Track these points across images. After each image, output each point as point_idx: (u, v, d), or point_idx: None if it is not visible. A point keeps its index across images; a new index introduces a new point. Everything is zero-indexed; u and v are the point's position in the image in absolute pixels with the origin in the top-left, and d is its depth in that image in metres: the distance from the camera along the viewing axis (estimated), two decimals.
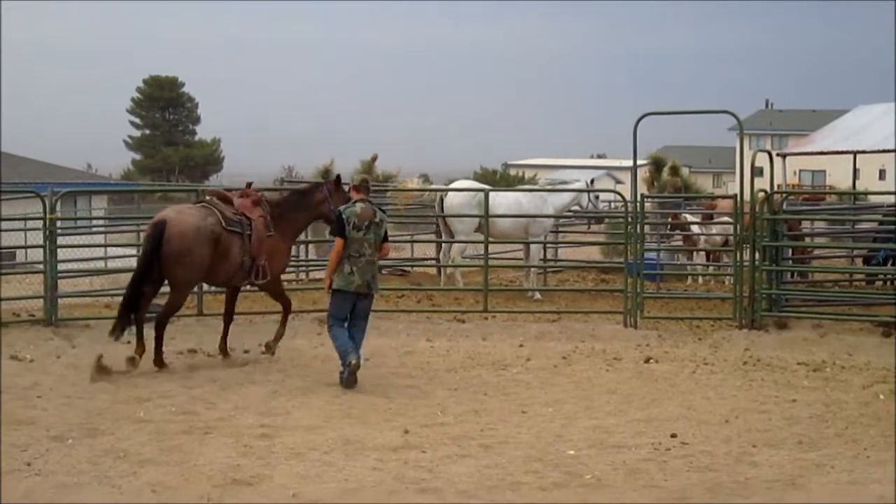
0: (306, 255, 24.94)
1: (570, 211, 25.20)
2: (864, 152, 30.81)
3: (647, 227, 23.97)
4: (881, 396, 14.26)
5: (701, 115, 27.93)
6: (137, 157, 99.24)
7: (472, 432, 12.34)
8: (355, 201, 15.14)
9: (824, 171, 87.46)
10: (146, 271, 15.68)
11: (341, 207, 15.25)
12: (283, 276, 17.87)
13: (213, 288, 20.13)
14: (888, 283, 24.46)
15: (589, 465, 11.05)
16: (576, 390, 14.76)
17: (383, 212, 15.43)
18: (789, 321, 19.73)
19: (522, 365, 16.45)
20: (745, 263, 20.30)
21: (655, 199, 29.88)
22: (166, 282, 16.01)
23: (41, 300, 19.17)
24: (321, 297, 18.74)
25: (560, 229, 28.34)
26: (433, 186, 23.10)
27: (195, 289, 19.68)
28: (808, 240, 25.40)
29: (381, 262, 18.08)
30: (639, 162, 21.59)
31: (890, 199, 31.01)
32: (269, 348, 16.65)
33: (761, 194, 20.01)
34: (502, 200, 23.55)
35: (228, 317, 16.83)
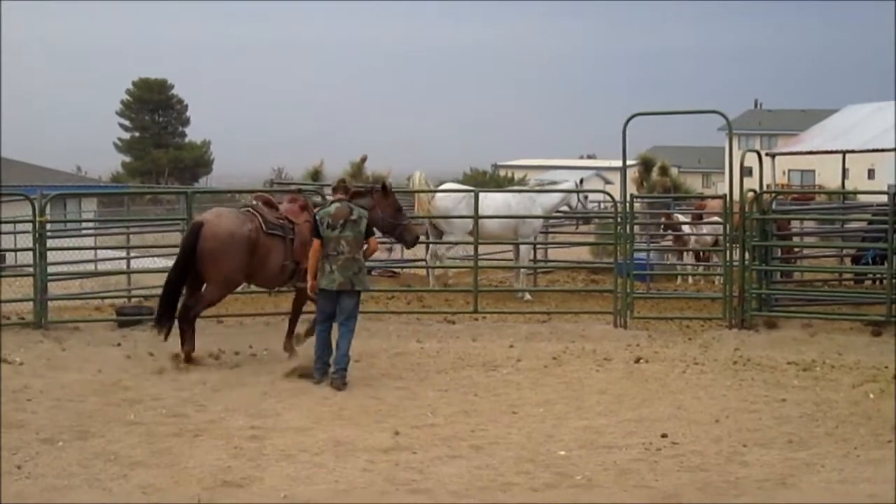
0: None
1: (559, 211, 25.22)
2: (853, 152, 30.83)
3: (636, 228, 23.98)
4: (871, 395, 14.29)
5: (690, 115, 27.93)
6: (127, 159, 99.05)
7: (462, 433, 12.36)
8: (332, 201, 15.49)
9: (813, 171, 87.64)
10: (183, 269, 16.21)
11: (317, 210, 15.73)
12: None
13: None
14: (877, 282, 24.49)
15: (580, 465, 11.07)
16: (566, 391, 14.77)
17: (364, 209, 15.55)
18: (779, 321, 19.76)
19: (513, 366, 16.46)
20: (735, 263, 20.33)
21: (645, 200, 29.93)
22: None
23: (31, 303, 19.12)
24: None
25: (550, 230, 28.33)
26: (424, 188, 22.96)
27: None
28: (797, 239, 25.45)
29: (372, 264, 18.09)
30: (628, 162, 21.66)
31: (879, 198, 31.03)
32: (300, 340, 17.03)
33: (750, 194, 20.04)
34: (491, 202, 23.54)
35: (295, 315, 17.20)
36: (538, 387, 15.01)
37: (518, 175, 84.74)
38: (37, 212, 18.85)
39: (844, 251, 25.65)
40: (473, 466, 10.98)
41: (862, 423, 12.80)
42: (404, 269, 27.01)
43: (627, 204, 20.68)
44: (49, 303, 19.32)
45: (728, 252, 20.59)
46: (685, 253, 27.95)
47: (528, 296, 23.44)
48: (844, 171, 33.08)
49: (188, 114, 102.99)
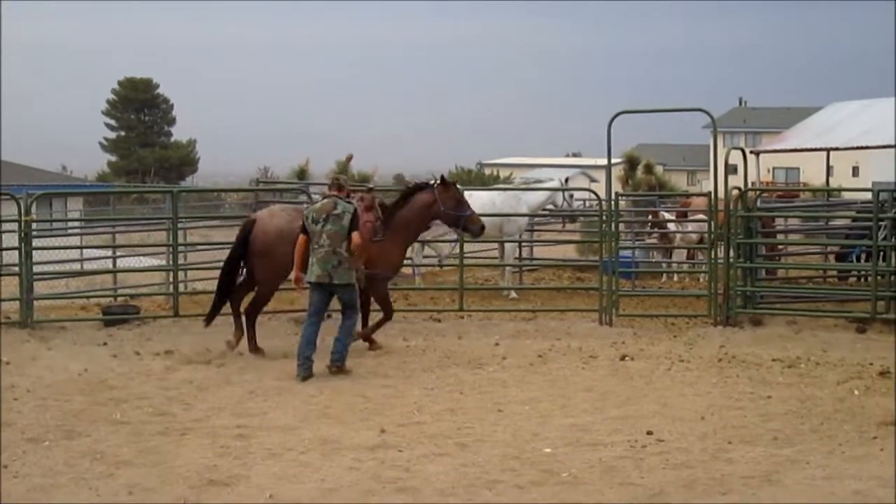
0: None
1: (544, 209, 25.25)
2: (837, 149, 30.84)
3: (621, 225, 24.02)
4: (856, 392, 14.33)
5: (675, 112, 27.98)
6: (113, 158, 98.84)
7: (448, 431, 12.37)
8: (324, 197, 15.94)
9: (798, 169, 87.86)
10: (234, 263, 17.21)
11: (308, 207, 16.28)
12: None
13: (188, 289, 20.36)
14: (861, 279, 24.56)
15: (565, 462, 11.09)
16: (552, 388, 14.78)
17: (350, 204, 15.75)
18: (764, 318, 19.80)
19: (498, 363, 16.47)
20: (720, 260, 20.37)
21: (630, 198, 30.00)
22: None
23: (17, 302, 19.11)
24: (297, 298, 18.75)
25: (535, 228, 28.36)
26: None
27: (171, 290, 20.01)
28: (782, 237, 25.51)
29: None
30: (613, 160, 21.65)
31: (863, 195, 31.09)
32: (373, 345, 17.46)
33: (735, 192, 20.08)
34: (476, 200, 23.52)
35: (367, 311, 17.51)
36: (524, 384, 15.02)
37: (504, 173, 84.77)
38: (22, 211, 18.82)
39: (829, 248, 25.71)
40: (459, 464, 10.99)
41: (847, 420, 12.83)
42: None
43: (613, 202, 20.71)
44: (35, 302, 19.31)
45: (713, 249, 20.63)
46: (673, 250, 28.00)
47: (513, 294, 23.48)
48: (829, 169, 33.11)
49: (174, 113, 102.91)
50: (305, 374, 15.13)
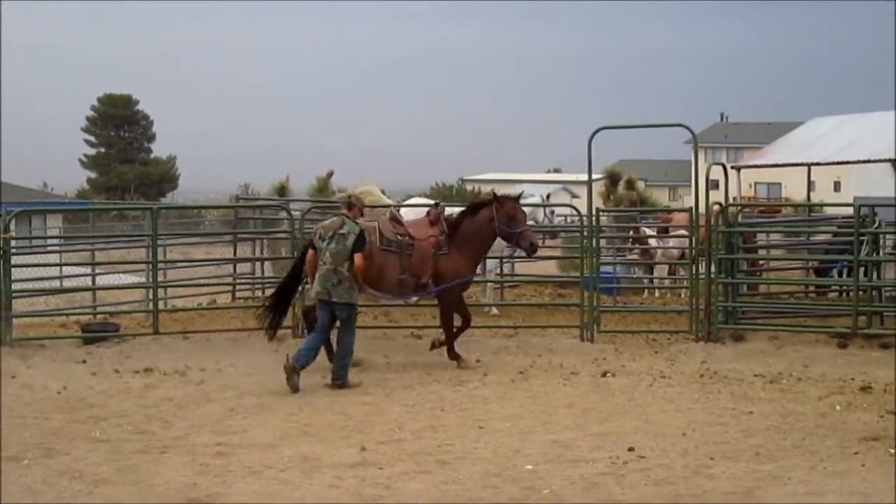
0: (262, 272, 24.70)
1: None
2: (818, 164, 31.01)
3: (603, 241, 24.02)
4: (837, 407, 14.34)
5: (656, 128, 27.93)
6: (93, 175, 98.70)
7: (429, 448, 12.33)
8: (335, 215, 16.45)
9: (780, 184, 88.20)
10: (296, 278, 17.24)
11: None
12: (239, 294, 18.02)
13: (168, 306, 20.33)
14: (842, 294, 24.60)
15: (547, 479, 11.05)
16: (533, 405, 14.75)
17: (356, 224, 16.04)
18: (745, 333, 19.81)
19: (479, 380, 16.44)
20: (702, 276, 20.39)
21: (611, 213, 30.01)
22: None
23: None
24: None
25: None
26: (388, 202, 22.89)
27: (151, 308, 19.97)
28: (763, 252, 25.54)
29: None
30: (594, 176, 21.63)
31: (845, 210, 31.19)
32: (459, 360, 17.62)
33: (716, 207, 20.11)
34: None
35: (447, 326, 17.90)
36: (505, 401, 14.99)
37: (485, 189, 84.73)
38: (1, 228, 18.75)
39: (810, 263, 25.76)
40: (440, 481, 10.96)
41: (828, 436, 12.83)
42: None
43: (594, 218, 20.71)
44: (14, 320, 19.22)
45: (694, 265, 20.62)
46: (655, 266, 28.01)
47: (494, 310, 23.45)
48: (810, 184, 33.25)
49: (153, 129, 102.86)
50: (296, 364, 15.46)
